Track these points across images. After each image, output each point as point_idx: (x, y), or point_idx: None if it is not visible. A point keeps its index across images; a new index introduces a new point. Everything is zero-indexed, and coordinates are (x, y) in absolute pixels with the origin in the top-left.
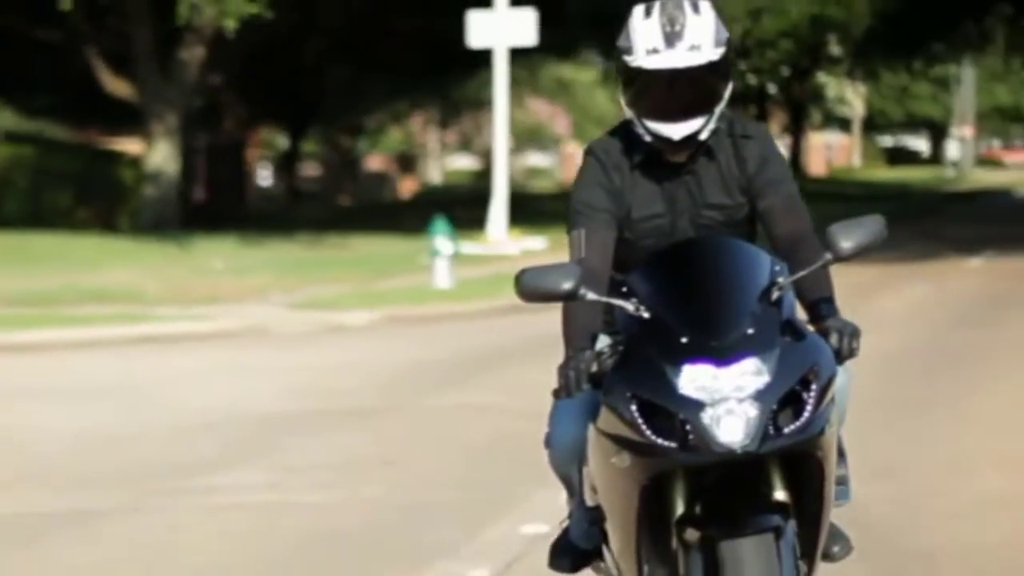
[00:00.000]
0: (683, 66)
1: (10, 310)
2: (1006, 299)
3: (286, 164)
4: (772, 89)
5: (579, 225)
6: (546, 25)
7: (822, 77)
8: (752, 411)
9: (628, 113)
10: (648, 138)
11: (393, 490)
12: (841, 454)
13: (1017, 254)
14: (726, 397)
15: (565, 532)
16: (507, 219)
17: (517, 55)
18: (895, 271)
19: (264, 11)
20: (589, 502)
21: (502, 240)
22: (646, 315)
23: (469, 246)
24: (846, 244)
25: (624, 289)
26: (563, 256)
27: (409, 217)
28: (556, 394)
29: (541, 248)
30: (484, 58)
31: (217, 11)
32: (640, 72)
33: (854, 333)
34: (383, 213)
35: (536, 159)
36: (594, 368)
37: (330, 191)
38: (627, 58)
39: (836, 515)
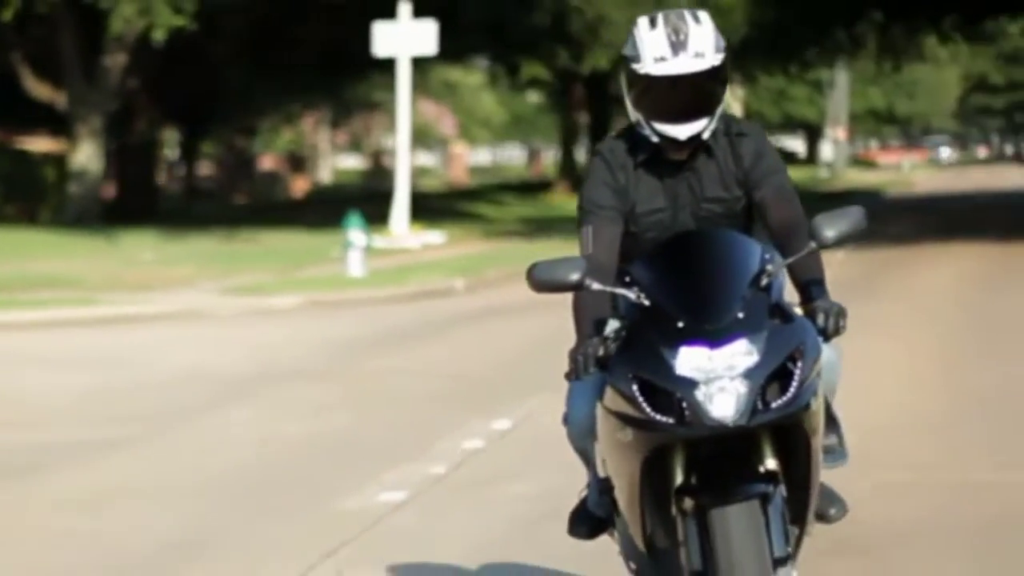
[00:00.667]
0: (689, 72)
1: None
2: (862, 285)
3: (184, 163)
4: None
5: (587, 222)
6: (441, 32)
7: None
8: (742, 388)
9: (634, 116)
10: (655, 138)
11: (352, 422)
12: (834, 421)
13: (878, 247)
14: (719, 376)
15: (583, 502)
16: (408, 215)
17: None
18: None
19: (190, 23)
20: (601, 474)
21: (404, 234)
22: (646, 302)
23: (374, 240)
24: (829, 233)
25: (627, 279)
26: (460, 249)
27: (309, 214)
28: (567, 376)
29: (440, 242)
30: (375, 62)
31: (147, 23)
32: (648, 78)
33: (840, 313)
34: (283, 210)
35: (422, 159)
36: (601, 352)
37: (225, 190)
38: (635, 66)
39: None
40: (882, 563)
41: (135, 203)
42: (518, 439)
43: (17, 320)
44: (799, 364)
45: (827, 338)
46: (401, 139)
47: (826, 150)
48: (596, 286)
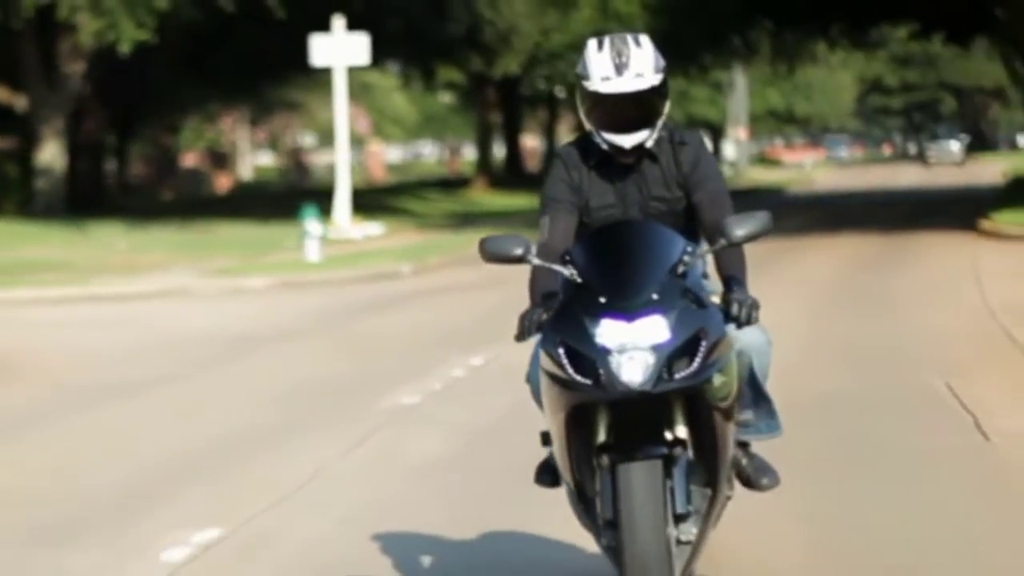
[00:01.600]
0: (630, 91)
1: None
2: (756, 267)
3: (117, 161)
4: (562, 93)
5: (546, 213)
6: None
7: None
8: (650, 359)
9: (587, 126)
10: (604, 146)
11: (352, 365)
12: (766, 398)
13: (775, 238)
14: (632, 347)
15: (549, 455)
16: (349, 208)
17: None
18: None
19: (152, 37)
20: (542, 428)
21: (347, 226)
22: (579, 280)
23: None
24: (739, 233)
25: (568, 258)
26: (398, 239)
27: (246, 207)
28: (516, 337)
29: (379, 233)
30: (298, 67)
31: (114, 36)
32: (596, 95)
33: (753, 305)
34: (217, 205)
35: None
36: (544, 318)
37: (153, 186)
38: (585, 83)
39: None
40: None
41: (87, 198)
42: (491, 369)
43: (20, 297)
44: (703, 343)
45: (739, 325)
46: (340, 139)
47: (728, 149)
48: (536, 261)
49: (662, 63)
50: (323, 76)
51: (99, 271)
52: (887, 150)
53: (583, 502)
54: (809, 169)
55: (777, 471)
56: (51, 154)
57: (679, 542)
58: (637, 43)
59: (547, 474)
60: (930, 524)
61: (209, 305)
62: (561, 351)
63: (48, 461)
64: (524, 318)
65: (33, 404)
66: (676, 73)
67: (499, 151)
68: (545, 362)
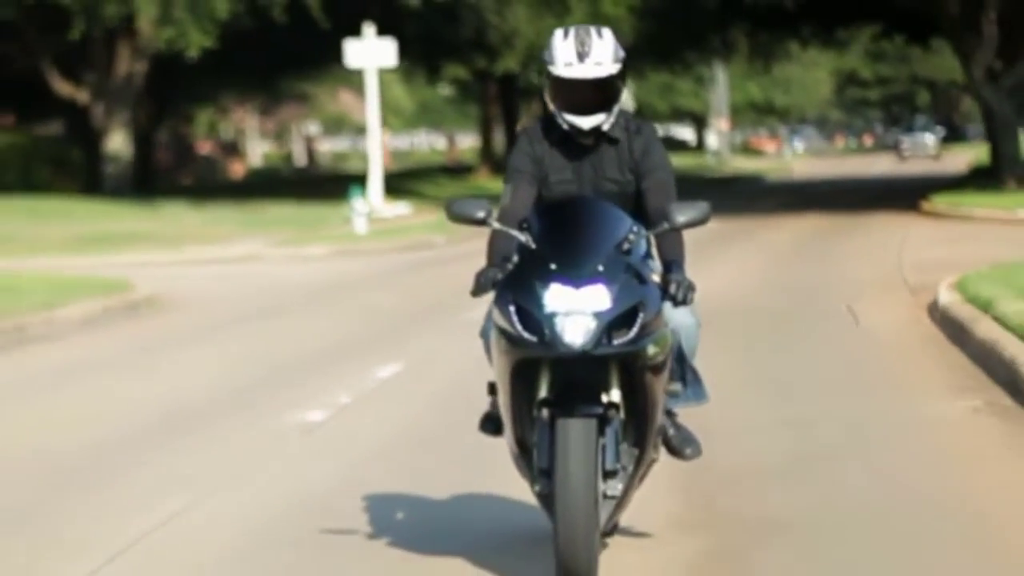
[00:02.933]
0: (590, 77)
1: (87, 245)
2: (729, 238)
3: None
4: None
5: (509, 182)
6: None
7: None
8: (591, 323)
9: (551, 107)
10: (565, 127)
11: (416, 304)
12: (693, 372)
13: (748, 217)
14: (576, 311)
15: (493, 404)
16: (382, 190)
17: (326, 49)
18: None
19: (214, 43)
20: (490, 379)
21: (380, 206)
22: (533, 245)
23: (350, 210)
24: (680, 219)
25: (525, 225)
26: (425, 217)
27: (277, 189)
28: (472, 293)
29: (407, 212)
30: (316, 62)
31: (184, 43)
32: (559, 79)
33: (689, 287)
34: (249, 188)
35: (334, 144)
36: (499, 277)
37: (172, 172)
38: (550, 68)
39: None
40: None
41: (140, 180)
42: None
43: (134, 260)
44: (640, 315)
45: (676, 304)
46: (372, 129)
47: (711, 139)
48: (496, 225)
49: (621, 54)
50: (331, 70)
51: (183, 241)
52: (868, 140)
53: (521, 450)
54: (789, 158)
55: (699, 442)
56: (118, 142)
57: (606, 496)
58: (599, 34)
59: (490, 423)
60: (809, 366)
61: (284, 267)
62: (512, 309)
63: (210, 362)
64: (480, 276)
65: (191, 327)
66: (661, 68)
67: (498, 140)
68: (497, 317)
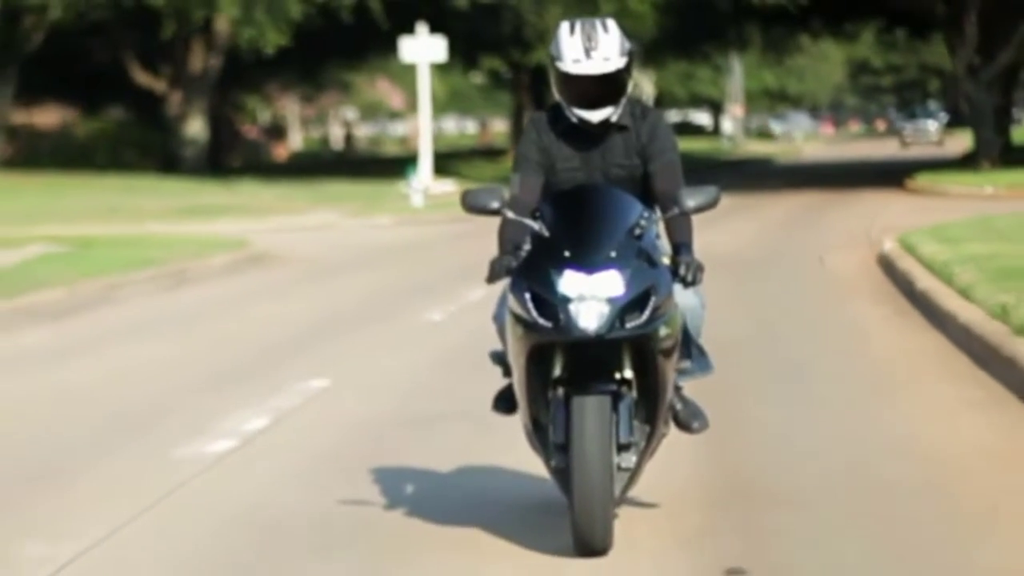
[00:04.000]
0: (598, 73)
1: (184, 215)
2: (737, 210)
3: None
4: None
5: (517, 171)
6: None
7: None
8: (605, 308)
9: (559, 100)
10: (574, 120)
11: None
12: (699, 348)
13: (755, 194)
14: (589, 297)
15: (508, 386)
16: (432, 170)
17: (382, 45)
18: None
19: (288, 41)
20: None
21: (430, 183)
22: (546, 233)
23: (405, 187)
24: (690, 203)
25: (537, 214)
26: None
27: (330, 171)
28: (487, 280)
29: (453, 189)
30: (363, 54)
31: (263, 42)
32: (567, 75)
33: (699, 268)
34: (304, 168)
35: (367, 129)
36: (512, 265)
37: (222, 155)
38: (558, 63)
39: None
40: None
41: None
42: None
43: (243, 228)
44: (652, 298)
45: (686, 285)
46: (423, 116)
47: (727, 125)
48: (510, 215)
49: (627, 46)
50: (370, 59)
51: (265, 212)
52: (880, 126)
53: (536, 429)
54: (800, 142)
55: (707, 415)
56: (196, 128)
57: (619, 468)
58: (605, 28)
59: (503, 402)
60: (779, 290)
61: (358, 233)
62: (527, 296)
63: (330, 293)
64: (494, 263)
65: (303, 272)
66: (681, 58)
67: None
68: (512, 305)
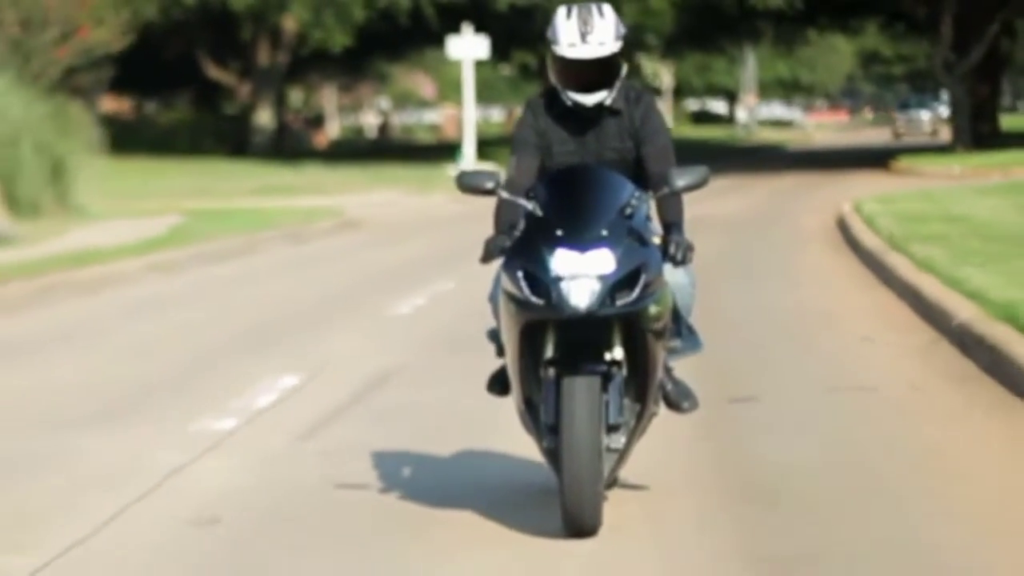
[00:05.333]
0: (593, 57)
1: (267, 192)
2: (738, 187)
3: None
4: None
5: (514, 153)
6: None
7: (640, 58)
8: (596, 286)
9: (555, 83)
10: (569, 103)
11: None
12: (691, 330)
13: (759, 174)
14: (581, 275)
15: (502, 368)
16: (475, 153)
17: (427, 42)
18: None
19: (352, 41)
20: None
21: (473, 165)
22: (539, 213)
23: (453, 170)
24: (680, 183)
25: (531, 194)
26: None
27: (376, 156)
28: (481, 260)
29: (496, 170)
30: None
31: (331, 42)
32: (563, 59)
33: (688, 247)
34: (349, 154)
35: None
36: (507, 244)
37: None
38: (554, 47)
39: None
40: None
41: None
42: None
43: (320, 203)
44: (643, 276)
45: (676, 264)
46: (467, 106)
47: (740, 113)
48: (505, 195)
49: (623, 31)
50: (408, 54)
51: (333, 190)
52: (893, 113)
53: (529, 409)
54: (811, 130)
55: (696, 395)
56: (265, 117)
57: (609, 449)
58: (600, 13)
59: (498, 384)
60: (758, 240)
61: (419, 208)
62: (520, 275)
63: (406, 251)
64: (489, 243)
65: (390, 233)
66: (697, 51)
67: None
68: (506, 283)
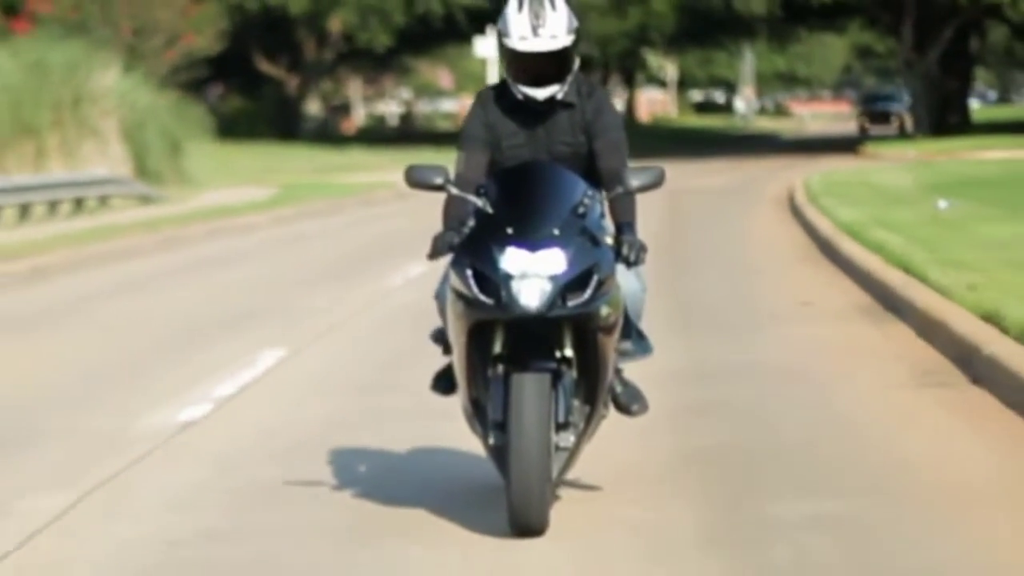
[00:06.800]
0: (544, 50)
1: (323, 172)
2: (724, 167)
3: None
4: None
5: (462, 148)
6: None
7: (646, 52)
8: (547, 286)
9: (507, 76)
10: (520, 97)
11: None
12: (640, 334)
13: (748, 156)
14: (532, 274)
15: (448, 366)
16: None
17: (454, 40)
18: (691, 168)
19: (392, 42)
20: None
21: None
22: (489, 210)
23: None
24: (634, 183)
25: (481, 191)
26: None
27: (406, 140)
28: (429, 257)
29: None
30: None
31: (375, 42)
32: (514, 52)
33: (641, 248)
34: (380, 139)
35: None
36: (455, 241)
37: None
38: (505, 40)
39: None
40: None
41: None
42: None
43: (376, 179)
44: (595, 277)
45: (629, 265)
46: None
47: (739, 104)
48: (454, 191)
49: (575, 24)
50: (431, 46)
51: (383, 169)
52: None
53: (476, 409)
54: (808, 120)
55: (646, 398)
56: (313, 107)
57: (558, 448)
58: (553, 5)
59: (443, 382)
60: (726, 204)
61: None
62: (469, 273)
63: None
64: (437, 240)
65: (424, 203)
66: (699, 47)
67: None
68: (454, 281)
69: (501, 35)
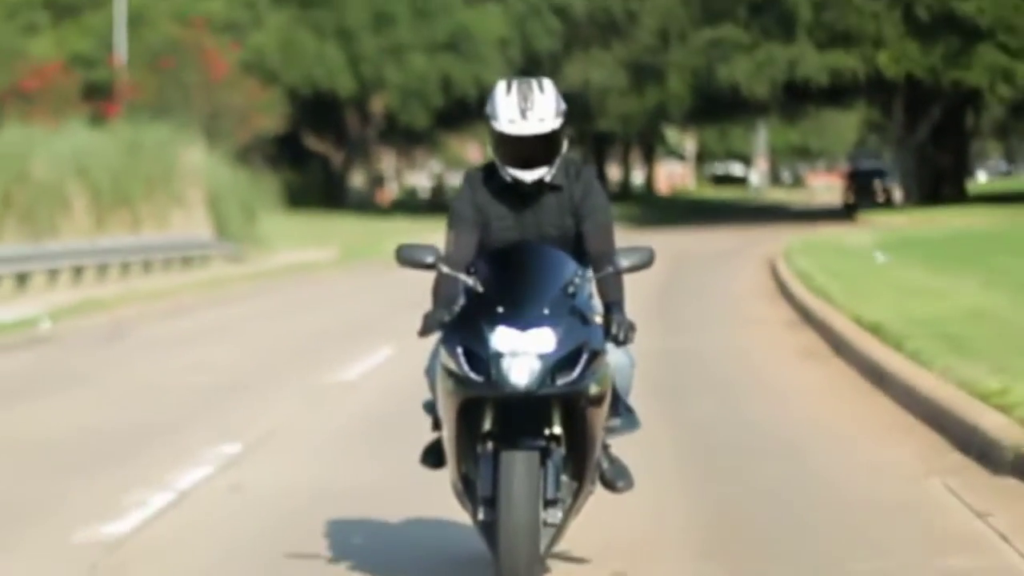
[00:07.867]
0: (533, 133)
1: (370, 236)
2: (729, 232)
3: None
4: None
5: (451, 228)
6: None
7: (665, 128)
8: (536, 364)
9: (495, 159)
10: (509, 179)
11: None
12: (629, 409)
13: (752, 226)
14: (522, 353)
15: (437, 440)
16: None
17: (475, 116)
18: (706, 236)
19: (429, 121)
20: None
21: None
22: (480, 289)
23: None
24: (624, 263)
25: (472, 270)
26: None
27: (439, 209)
28: (419, 334)
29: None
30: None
31: (415, 121)
32: (502, 135)
33: (630, 327)
34: (415, 209)
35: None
36: (445, 319)
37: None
38: (493, 123)
39: (624, 451)
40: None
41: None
42: None
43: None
44: (584, 355)
45: (618, 344)
46: None
47: (752, 176)
48: (445, 269)
49: (563, 107)
50: (463, 123)
51: (421, 235)
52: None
53: (465, 486)
54: (821, 191)
55: (632, 475)
56: (359, 180)
57: (546, 524)
58: (541, 89)
59: (432, 456)
60: (721, 264)
61: None
62: (459, 351)
63: None
64: (427, 317)
65: None
66: (712, 124)
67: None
68: (444, 359)
69: (490, 118)
